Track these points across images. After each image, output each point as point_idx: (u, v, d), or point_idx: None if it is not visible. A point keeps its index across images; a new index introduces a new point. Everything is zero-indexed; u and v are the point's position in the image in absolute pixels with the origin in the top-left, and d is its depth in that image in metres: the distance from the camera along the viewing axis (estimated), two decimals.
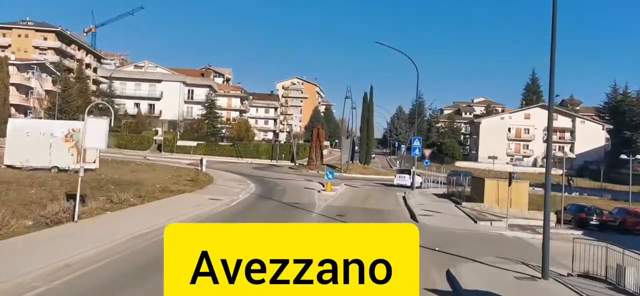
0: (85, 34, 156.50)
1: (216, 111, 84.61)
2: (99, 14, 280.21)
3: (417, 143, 36.60)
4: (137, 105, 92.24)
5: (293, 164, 61.36)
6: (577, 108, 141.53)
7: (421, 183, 48.33)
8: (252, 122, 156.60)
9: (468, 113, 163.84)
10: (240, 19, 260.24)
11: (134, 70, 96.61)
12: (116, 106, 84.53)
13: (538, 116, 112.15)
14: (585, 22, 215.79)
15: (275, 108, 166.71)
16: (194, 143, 71.05)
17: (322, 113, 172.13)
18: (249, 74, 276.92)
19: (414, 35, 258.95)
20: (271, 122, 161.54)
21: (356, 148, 70.20)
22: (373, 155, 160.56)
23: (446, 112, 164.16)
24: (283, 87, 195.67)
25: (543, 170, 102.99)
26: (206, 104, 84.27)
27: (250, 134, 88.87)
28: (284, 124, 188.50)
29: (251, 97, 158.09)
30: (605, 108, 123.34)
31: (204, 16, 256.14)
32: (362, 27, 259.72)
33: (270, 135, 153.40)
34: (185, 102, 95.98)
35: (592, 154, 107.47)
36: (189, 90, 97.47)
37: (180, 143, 75.66)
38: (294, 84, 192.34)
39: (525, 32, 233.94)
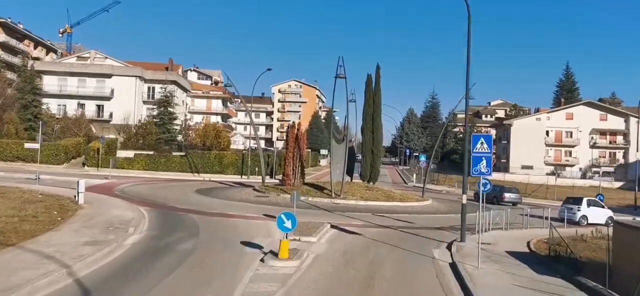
0: (60, 35, 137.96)
1: (172, 111, 64.48)
2: (79, 13, 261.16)
3: (483, 146, 16.16)
4: (81, 105, 72.54)
5: (263, 184, 40.94)
6: (619, 108, 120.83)
7: (609, 220, 28.14)
8: (240, 128, 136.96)
9: (489, 115, 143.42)
10: (232, 18, 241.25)
11: (75, 63, 76.70)
12: (44, 106, 65.07)
13: (583, 116, 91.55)
14: (623, 17, 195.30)
15: (268, 113, 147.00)
16: (131, 154, 51.03)
17: (322, 119, 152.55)
18: (242, 77, 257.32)
19: (423, 37, 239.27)
20: (263, 128, 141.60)
21: (358, 157, 49.99)
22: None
23: (461, 116, 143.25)
24: (279, 91, 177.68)
25: (595, 182, 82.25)
26: (160, 102, 64.30)
27: (223, 141, 68.79)
28: (280, 131, 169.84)
29: (239, 100, 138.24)
30: None
31: (192, 15, 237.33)
32: (363, 31, 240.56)
33: (262, 143, 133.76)
34: (144, 102, 76.13)
35: None
36: (149, 88, 77.59)
37: (121, 153, 55.79)
38: (291, 87, 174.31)
39: (543, 29, 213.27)
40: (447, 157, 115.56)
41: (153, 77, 76.76)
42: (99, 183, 38.13)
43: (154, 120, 62.19)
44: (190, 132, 68.10)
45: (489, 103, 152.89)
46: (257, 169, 52.46)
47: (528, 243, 21.10)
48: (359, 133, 44.37)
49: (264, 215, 26.41)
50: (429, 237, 22.39)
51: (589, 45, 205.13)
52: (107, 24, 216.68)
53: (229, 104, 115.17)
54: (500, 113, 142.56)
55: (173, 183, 43.19)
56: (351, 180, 41.61)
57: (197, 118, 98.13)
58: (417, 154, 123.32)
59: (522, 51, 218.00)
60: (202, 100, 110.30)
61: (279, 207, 29.53)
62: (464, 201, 20.85)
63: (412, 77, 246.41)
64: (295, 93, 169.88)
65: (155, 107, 69.53)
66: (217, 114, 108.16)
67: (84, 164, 51.66)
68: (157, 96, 73.70)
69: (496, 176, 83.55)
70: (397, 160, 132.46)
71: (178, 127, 66.58)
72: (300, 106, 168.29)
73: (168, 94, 64.66)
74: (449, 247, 19.89)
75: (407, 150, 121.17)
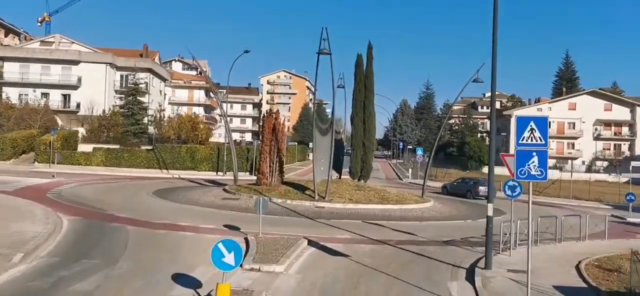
0: (39, 24, 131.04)
1: (142, 101, 58.40)
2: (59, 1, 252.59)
3: (534, 136, 10.37)
4: (45, 95, 66.22)
5: (236, 184, 34.96)
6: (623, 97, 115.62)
7: None
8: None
9: (485, 107, 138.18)
10: (222, 7, 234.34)
11: (38, 48, 70.23)
12: (4, 95, 58.94)
13: (587, 106, 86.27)
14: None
15: (255, 104, 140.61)
16: (90, 148, 45.00)
17: (313, 111, 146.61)
18: (228, 67, 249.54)
19: (416, 26, 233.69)
20: (249, 121, 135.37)
21: (348, 150, 44.29)
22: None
23: (456, 108, 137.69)
24: (268, 82, 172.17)
25: (600, 176, 77.06)
26: (129, 90, 58.22)
27: (201, 134, 62.65)
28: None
29: (224, 91, 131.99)
30: None
31: (180, 4, 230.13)
32: (355, 21, 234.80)
33: (248, 137, 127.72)
34: (117, 92, 69.86)
35: None
36: (121, 76, 71.20)
37: (83, 147, 49.75)
38: (280, 78, 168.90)
39: (539, 19, 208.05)
40: (442, 149, 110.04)
41: (126, 65, 70.41)
42: (39, 183, 32.14)
43: (122, 110, 55.99)
44: (162, 124, 61.76)
45: (484, 94, 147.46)
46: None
47: (577, 267, 15.38)
48: (348, 124, 38.58)
49: (225, 226, 20.62)
50: (439, 259, 16.60)
51: (587, 35, 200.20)
52: (92, 14, 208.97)
53: (211, 95, 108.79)
54: (497, 105, 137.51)
55: (132, 182, 37.20)
56: (340, 177, 35.85)
57: (181, 110, 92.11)
58: (411, 147, 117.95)
59: (518, 42, 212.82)
60: (183, 90, 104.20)
61: (247, 214, 23.77)
62: (490, 212, 15.07)
63: (405, 68, 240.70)
64: (284, 85, 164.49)
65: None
66: (199, 105, 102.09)
67: (35, 160, 45.54)
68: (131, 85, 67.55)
69: (497, 171, 77.94)
70: (390, 154, 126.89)
71: (151, 119, 60.41)
72: (290, 98, 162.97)
73: (137, 81, 58.51)
74: (470, 277, 14.16)
75: (401, 143, 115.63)
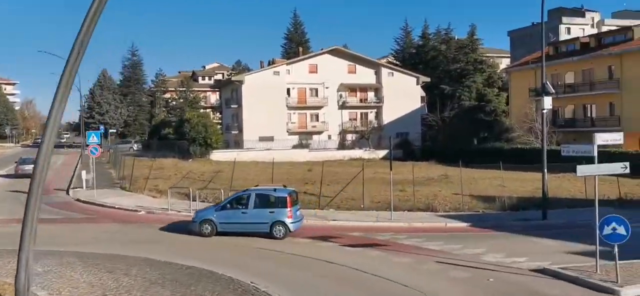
0: None
1: None
2: None
3: None
4: None
5: None
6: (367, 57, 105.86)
7: None
8: None
9: (206, 78, 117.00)
10: None
11: None
12: None
13: (329, 68, 70.58)
14: None
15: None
16: None
17: None
18: None
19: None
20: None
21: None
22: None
23: (172, 80, 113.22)
24: None
25: (354, 152, 61.56)
26: None
27: None
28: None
29: None
30: (401, 60, 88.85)
31: None
32: None
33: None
34: None
35: (406, 122, 70.28)
36: None
37: None
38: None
39: None
40: (157, 132, 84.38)
41: None
42: None
43: None
44: None
45: (204, 67, 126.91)
46: None
47: None
48: None
49: None
50: None
51: None
52: None
53: None
54: (219, 77, 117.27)
55: None
56: None
57: None
58: (114, 130, 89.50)
59: (229, 6, 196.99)
60: None
61: None
62: None
63: (100, 31, 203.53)
64: None
65: None
66: None
67: None
68: None
69: (226, 155, 56.77)
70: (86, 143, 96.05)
71: None
72: None
73: None
74: None
75: (102, 127, 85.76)
